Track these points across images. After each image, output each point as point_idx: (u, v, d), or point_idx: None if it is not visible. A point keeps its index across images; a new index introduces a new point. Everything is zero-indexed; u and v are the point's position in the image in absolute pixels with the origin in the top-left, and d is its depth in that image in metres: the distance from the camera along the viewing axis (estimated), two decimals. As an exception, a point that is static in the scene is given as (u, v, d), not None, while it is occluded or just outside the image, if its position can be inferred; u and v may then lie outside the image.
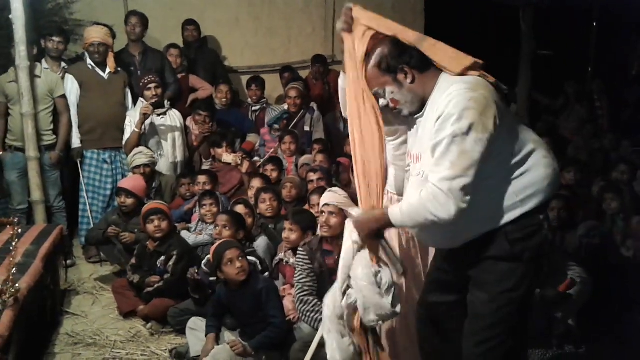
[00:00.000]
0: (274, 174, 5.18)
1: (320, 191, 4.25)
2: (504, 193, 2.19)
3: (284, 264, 4.00)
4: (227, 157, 5.41)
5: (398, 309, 2.42)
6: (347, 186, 4.76)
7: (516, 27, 7.17)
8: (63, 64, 5.44)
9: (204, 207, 4.67)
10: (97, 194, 5.37)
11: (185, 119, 5.68)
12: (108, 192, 5.35)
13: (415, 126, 2.34)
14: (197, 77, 6.21)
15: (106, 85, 5.35)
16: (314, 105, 6.07)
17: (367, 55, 2.34)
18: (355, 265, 2.42)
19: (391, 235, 2.78)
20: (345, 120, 2.78)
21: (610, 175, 5.39)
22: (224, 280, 3.58)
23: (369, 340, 2.54)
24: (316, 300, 3.46)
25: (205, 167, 5.61)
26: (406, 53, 2.23)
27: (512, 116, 2.28)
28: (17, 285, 3.05)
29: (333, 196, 3.51)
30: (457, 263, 2.37)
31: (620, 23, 8.12)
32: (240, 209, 4.35)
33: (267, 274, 3.97)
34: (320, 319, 3.26)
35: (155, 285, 4.14)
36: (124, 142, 5.32)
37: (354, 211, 2.48)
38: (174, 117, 5.52)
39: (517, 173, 2.20)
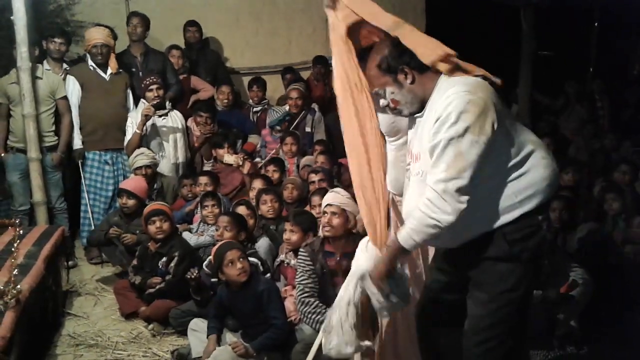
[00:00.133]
0: (276, 175, 5.19)
1: (321, 192, 4.26)
2: (503, 194, 2.20)
3: (285, 265, 4.00)
4: (229, 158, 5.42)
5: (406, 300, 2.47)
6: (349, 187, 4.74)
7: (517, 27, 7.17)
8: (64, 65, 5.45)
9: (206, 208, 4.67)
10: (98, 195, 5.38)
11: (186, 120, 5.69)
12: (109, 193, 5.36)
13: (415, 125, 2.35)
14: (198, 78, 6.21)
15: (107, 87, 5.36)
16: (315, 106, 6.07)
17: (362, 52, 2.35)
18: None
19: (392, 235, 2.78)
20: None
21: (612, 176, 5.39)
22: (225, 281, 3.58)
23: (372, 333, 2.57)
24: (317, 302, 3.46)
25: (206, 168, 5.62)
26: (406, 54, 2.24)
27: (511, 117, 2.29)
28: (18, 286, 3.05)
29: (335, 197, 3.52)
30: (457, 263, 2.38)
31: (621, 23, 8.11)
32: (241, 210, 4.35)
33: (268, 275, 3.97)
34: (322, 320, 3.28)
35: (157, 287, 4.14)
36: (125, 143, 5.33)
37: (361, 262, 2.48)
38: (175, 119, 5.53)
39: (516, 174, 2.21)
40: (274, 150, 5.70)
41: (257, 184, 4.85)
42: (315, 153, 5.46)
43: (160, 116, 5.41)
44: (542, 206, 2.26)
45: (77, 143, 5.33)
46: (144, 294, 4.21)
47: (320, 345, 2.97)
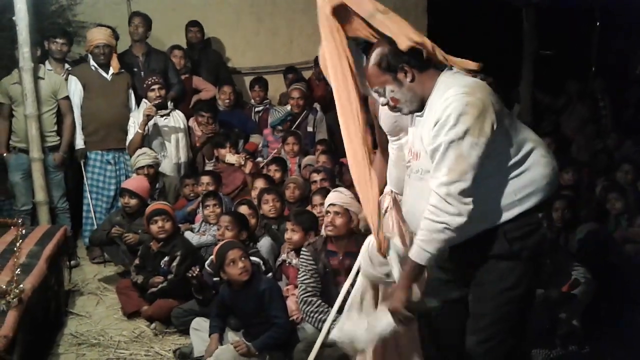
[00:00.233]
0: (277, 175, 5.19)
1: (323, 191, 4.26)
2: (503, 192, 2.21)
3: (287, 264, 4.01)
4: (231, 158, 5.42)
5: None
6: (351, 186, 4.75)
7: (518, 27, 7.17)
8: (66, 66, 5.45)
9: (207, 207, 4.68)
10: (100, 195, 5.38)
11: (188, 120, 5.69)
12: (112, 193, 5.37)
13: (415, 124, 2.36)
14: (200, 78, 6.22)
15: (109, 87, 5.36)
16: (317, 105, 6.07)
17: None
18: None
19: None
20: None
21: (614, 175, 5.38)
22: (227, 280, 3.59)
23: None
24: (320, 301, 3.47)
25: (208, 167, 5.62)
26: (406, 52, 2.24)
27: (511, 116, 2.29)
28: (21, 285, 3.06)
29: (339, 196, 3.52)
30: (457, 262, 2.37)
31: (622, 22, 8.10)
32: (243, 209, 4.36)
33: (270, 274, 3.97)
34: (324, 320, 3.28)
35: (159, 286, 4.15)
36: (127, 143, 5.34)
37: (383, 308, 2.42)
38: (177, 118, 5.53)
39: (515, 172, 2.22)
40: (276, 150, 5.71)
41: (259, 183, 4.85)
42: (316, 153, 5.46)
43: (162, 116, 5.41)
44: (542, 204, 2.26)
45: (79, 143, 5.34)
46: (146, 293, 4.22)
47: (323, 344, 2.98)
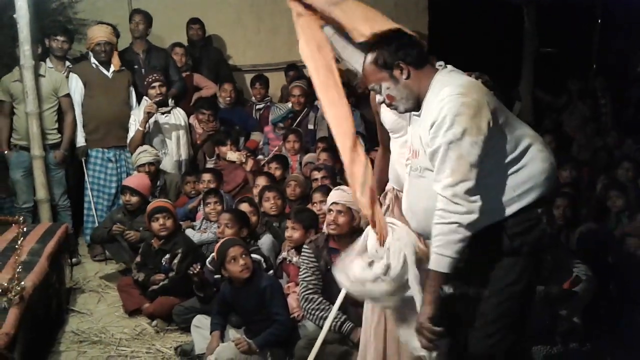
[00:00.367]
0: (278, 172, 5.19)
1: (323, 189, 4.27)
2: (502, 188, 2.22)
3: (287, 262, 4.01)
4: (232, 156, 5.42)
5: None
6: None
7: (519, 25, 7.17)
8: (67, 63, 5.45)
9: (208, 205, 4.68)
10: (101, 193, 5.38)
11: (189, 117, 5.69)
12: (113, 191, 5.37)
13: (413, 123, 2.37)
14: (201, 75, 6.22)
15: (110, 84, 5.36)
16: (317, 103, 6.06)
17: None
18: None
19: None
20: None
21: (615, 173, 5.39)
22: (228, 278, 3.59)
23: None
24: (321, 299, 3.47)
25: (209, 165, 5.62)
26: (402, 49, 2.25)
27: (507, 113, 2.30)
28: (22, 283, 3.07)
29: (341, 194, 3.51)
30: None
31: (623, 21, 8.09)
32: (244, 207, 4.36)
33: (271, 271, 3.98)
34: (325, 317, 3.29)
35: (160, 283, 4.15)
36: (128, 141, 5.34)
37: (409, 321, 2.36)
38: (178, 116, 5.53)
39: (514, 168, 2.22)
40: (277, 148, 5.71)
41: (261, 181, 4.85)
42: (317, 150, 5.46)
43: (162, 113, 5.41)
44: (541, 200, 2.27)
45: (80, 141, 5.34)
46: (147, 290, 4.23)
47: (324, 341, 2.99)
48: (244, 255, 3.52)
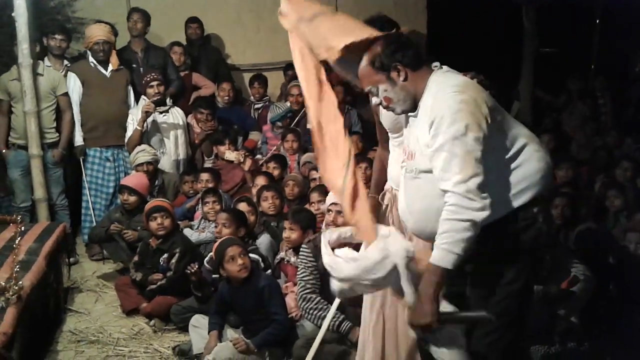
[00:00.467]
0: (277, 172, 5.18)
1: (321, 189, 4.26)
2: (499, 187, 2.21)
3: (285, 262, 4.01)
4: (230, 155, 5.42)
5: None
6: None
7: (519, 25, 7.16)
8: (65, 62, 5.44)
9: (207, 204, 4.68)
10: (99, 192, 5.38)
11: (187, 116, 5.69)
12: (111, 190, 5.36)
13: (409, 124, 2.36)
14: (200, 75, 6.21)
15: (108, 83, 5.35)
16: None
17: None
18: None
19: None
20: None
21: (613, 173, 5.38)
22: (226, 277, 3.59)
23: None
24: (319, 298, 3.46)
25: (207, 164, 5.62)
26: (399, 51, 2.25)
27: (504, 112, 2.30)
28: (20, 282, 3.06)
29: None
30: None
31: (623, 21, 8.09)
32: (242, 206, 4.36)
33: (269, 271, 3.97)
34: (323, 317, 3.28)
35: (158, 283, 4.15)
36: (126, 140, 5.33)
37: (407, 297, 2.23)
38: (176, 115, 5.52)
39: (510, 167, 2.22)
40: (275, 147, 5.70)
41: (260, 180, 4.85)
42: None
43: (161, 113, 5.41)
44: (537, 198, 2.27)
45: (78, 140, 5.33)
46: (145, 290, 4.22)
47: (322, 341, 2.98)
48: (242, 255, 3.52)
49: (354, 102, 5.85)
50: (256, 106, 6.30)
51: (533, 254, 2.30)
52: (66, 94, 5.25)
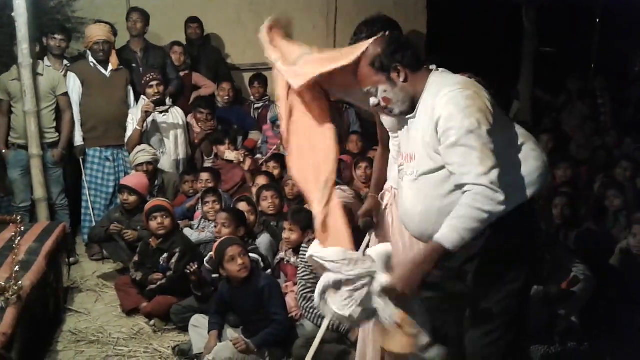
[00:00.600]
0: (277, 171, 5.18)
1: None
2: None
3: (285, 262, 4.01)
4: (230, 155, 5.42)
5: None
6: (349, 184, 4.77)
7: (518, 25, 7.17)
8: (65, 62, 5.44)
9: (207, 204, 4.68)
10: (99, 192, 5.38)
11: (187, 116, 5.68)
12: (110, 190, 5.36)
13: (406, 127, 2.35)
14: (199, 74, 6.21)
15: (108, 83, 5.35)
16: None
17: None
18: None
19: (394, 232, 2.78)
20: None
21: (613, 172, 5.39)
22: (226, 277, 3.59)
23: None
24: (319, 298, 3.46)
25: (207, 164, 5.62)
26: (399, 52, 2.25)
27: (501, 111, 2.30)
28: (20, 282, 3.06)
29: (341, 195, 3.50)
30: (453, 257, 2.36)
31: (622, 20, 8.10)
32: (242, 206, 4.36)
33: (269, 271, 3.97)
34: (323, 316, 3.27)
35: (158, 283, 4.15)
36: (126, 140, 5.33)
37: (386, 275, 2.19)
38: (176, 115, 5.52)
39: (509, 166, 2.21)
40: (275, 147, 5.70)
41: (261, 180, 4.85)
42: (316, 149, 5.45)
43: (160, 112, 5.41)
44: (535, 197, 2.28)
45: (78, 140, 5.33)
46: (145, 290, 4.22)
47: (322, 340, 2.98)
48: (242, 255, 3.52)
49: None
50: (256, 106, 6.30)
51: (533, 252, 2.31)
52: (66, 94, 5.25)
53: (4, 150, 5.18)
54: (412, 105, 2.28)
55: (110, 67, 5.35)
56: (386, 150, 2.87)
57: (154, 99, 5.29)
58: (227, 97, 6.03)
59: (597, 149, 6.39)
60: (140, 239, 4.54)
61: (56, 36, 5.29)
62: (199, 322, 3.72)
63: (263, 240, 4.22)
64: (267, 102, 6.29)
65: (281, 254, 4.06)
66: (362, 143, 5.71)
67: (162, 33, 6.35)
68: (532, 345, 3.38)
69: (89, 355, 3.72)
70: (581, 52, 8.61)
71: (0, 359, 2.72)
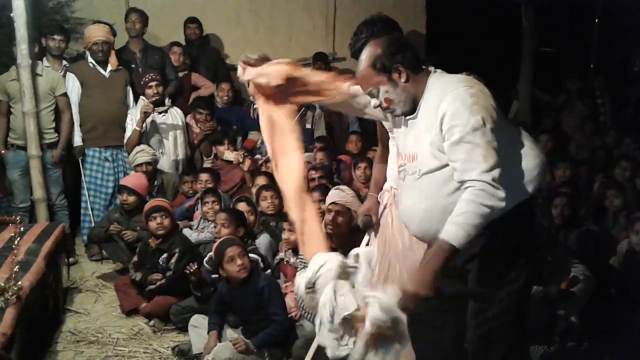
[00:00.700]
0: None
1: (320, 188, 4.25)
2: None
3: (285, 263, 4.00)
4: (229, 155, 5.41)
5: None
6: (348, 184, 4.77)
7: (518, 24, 7.17)
8: (64, 62, 5.43)
9: (206, 204, 4.67)
10: (98, 192, 5.38)
11: (186, 116, 5.68)
12: (110, 190, 5.36)
13: (405, 127, 2.35)
14: (199, 75, 6.21)
15: (107, 84, 5.35)
16: (315, 102, 6.05)
17: None
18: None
19: (394, 232, 2.78)
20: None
21: (612, 172, 5.39)
22: (225, 277, 3.59)
23: None
24: (319, 298, 3.46)
25: (206, 165, 5.61)
26: (399, 52, 2.25)
27: (500, 111, 2.31)
28: (19, 283, 3.05)
29: (340, 194, 3.50)
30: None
31: (622, 20, 8.10)
32: (242, 206, 4.35)
33: (269, 271, 3.97)
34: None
35: (158, 283, 4.14)
36: (125, 140, 5.33)
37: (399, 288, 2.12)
38: (175, 115, 5.52)
39: (508, 164, 2.21)
40: (275, 147, 5.69)
41: (261, 180, 4.84)
42: (315, 150, 5.46)
43: (160, 113, 5.41)
44: (534, 196, 2.29)
45: (77, 140, 5.33)
46: (144, 290, 4.21)
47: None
48: (241, 255, 3.52)
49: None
50: (255, 106, 6.29)
51: (532, 252, 2.31)
52: (65, 95, 5.24)
53: (3, 151, 5.18)
54: (413, 106, 2.29)
55: (109, 68, 5.34)
56: (386, 150, 2.87)
57: (153, 99, 5.29)
58: (226, 98, 6.02)
59: (597, 149, 6.39)
60: (140, 239, 4.54)
61: (55, 37, 5.28)
62: (199, 323, 3.72)
63: (262, 241, 4.21)
64: (266, 102, 6.27)
65: (281, 254, 4.06)
66: (362, 143, 5.71)
67: (161, 33, 6.36)
68: (532, 345, 3.38)
69: (89, 356, 3.71)
70: (581, 52, 8.62)
71: (0, 359, 2.71)
